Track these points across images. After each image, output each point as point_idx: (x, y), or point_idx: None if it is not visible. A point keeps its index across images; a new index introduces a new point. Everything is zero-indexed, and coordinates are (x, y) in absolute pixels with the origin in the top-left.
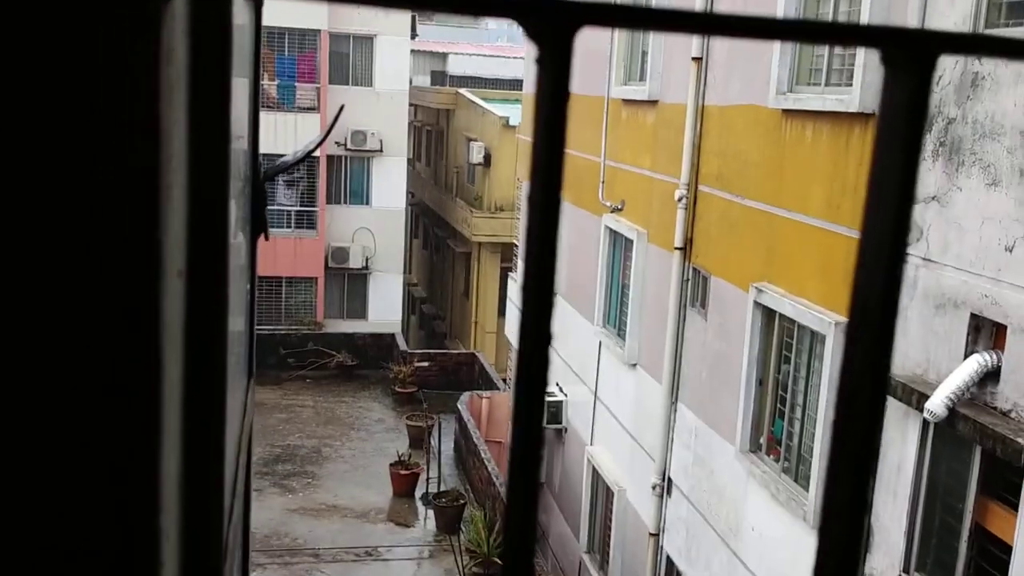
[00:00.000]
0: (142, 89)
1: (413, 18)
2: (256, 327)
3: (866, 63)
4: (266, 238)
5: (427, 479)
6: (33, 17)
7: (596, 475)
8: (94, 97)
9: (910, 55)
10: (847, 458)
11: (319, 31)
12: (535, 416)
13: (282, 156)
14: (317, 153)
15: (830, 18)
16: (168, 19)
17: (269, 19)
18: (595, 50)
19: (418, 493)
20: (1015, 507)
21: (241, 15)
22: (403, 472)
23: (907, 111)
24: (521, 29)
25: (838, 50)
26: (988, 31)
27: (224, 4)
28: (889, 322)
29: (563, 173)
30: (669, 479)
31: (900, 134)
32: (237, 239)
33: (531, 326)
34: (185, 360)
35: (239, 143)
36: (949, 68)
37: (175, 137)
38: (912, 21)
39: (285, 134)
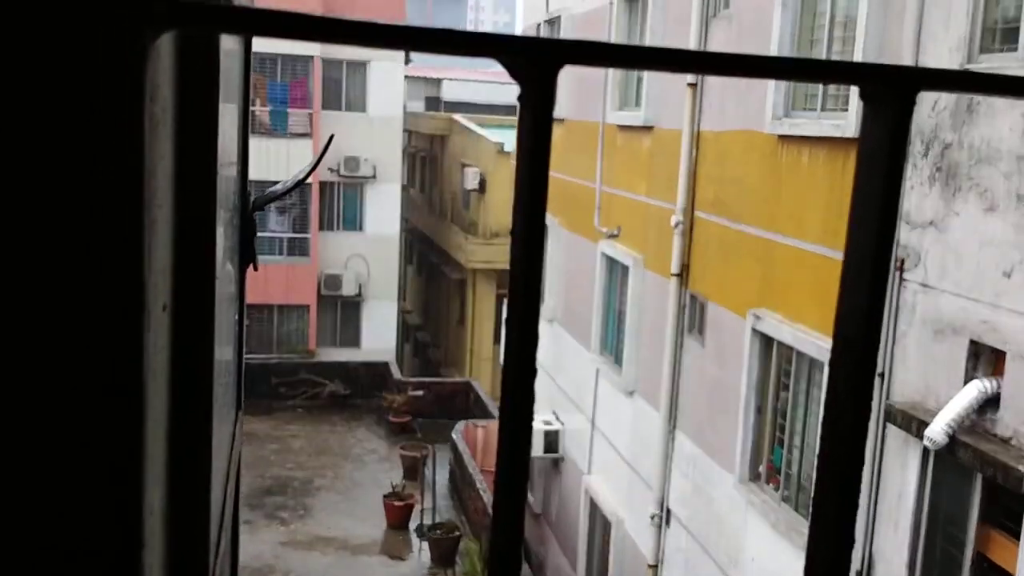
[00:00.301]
0: (126, 126)
1: None
2: (247, 356)
3: None
4: (255, 268)
5: (421, 510)
6: (20, 54)
7: (594, 505)
8: (79, 132)
9: (889, 91)
10: (833, 480)
11: (312, 57)
12: (520, 450)
13: (274, 183)
14: (310, 180)
15: (825, 43)
16: (154, 57)
17: (262, 45)
18: (590, 76)
19: (412, 525)
20: (1017, 536)
21: (230, 42)
22: (397, 503)
23: (887, 146)
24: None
25: None
26: (983, 56)
27: (211, 44)
28: (871, 351)
29: (546, 206)
30: (668, 509)
31: (880, 168)
32: (225, 269)
33: (516, 359)
34: (171, 393)
35: (228, 172)
36: (945, 93)
37: (160, 172)
38: (907, 47)
39: (277, 160)
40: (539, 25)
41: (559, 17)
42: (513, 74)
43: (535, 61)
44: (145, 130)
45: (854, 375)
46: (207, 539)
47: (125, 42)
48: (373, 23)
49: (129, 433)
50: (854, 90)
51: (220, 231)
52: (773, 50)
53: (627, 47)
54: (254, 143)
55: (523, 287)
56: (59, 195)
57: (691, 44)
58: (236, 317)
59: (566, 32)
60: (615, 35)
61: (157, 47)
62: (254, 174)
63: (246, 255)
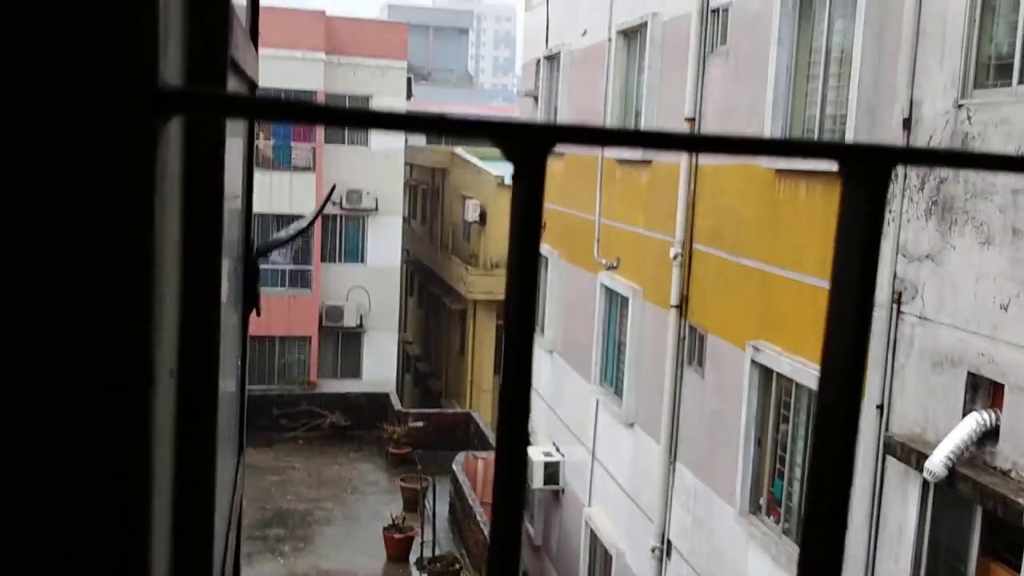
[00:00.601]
0: (138, 205)
1: (408, 79)
2: (248, 387)
3: (857, 124)
4: (258, 314)
5: (421, 543)
6: (38, 131)
7: (594, 537)
8: (89, 215)
9: (866, 168)
10: (822, 513)
11: (315, 92)
12: (517, 484)
13: (278, 216)
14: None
15: (821, 78)
16: (164, 138)
17: (265, 80)
18: (589, 109)
19: (412, 558)
20: (1017, 568)
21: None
22: (397, 536)
23: (864, 220)
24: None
25: (830, 109)
26: (977, 91)
27: (217, 128)
28: (853, 414)
29: (537, 275)
30: (668, 541)
31: (858, 241)
32: (229, 318)
33: (508, 434)
34: (175, 458)
35: (232, 223)
36: (940, 127)
37: (167, 249)
38: (902, 81)
39: (280, 193)
40: (539, 60)
41: (559, 53)
42: (507, 155)
43: (527, 143)
44: (156, 211)
45: (837, 445)
46: None
47: (136, 128)
48: (374, 111)
49: (136, 503)
50: (850, 123)
51: (224, 283)
52: (770, 84)
53: (616, 130)
54: (258, 177)
55: (516, 357)
56: (68, 280)
57: (689, 80)
58: (239, 363)
59: (565, 66)
60: (613, 70)
61: (168, 128)
62: (257, 207)
63: (249, 301)
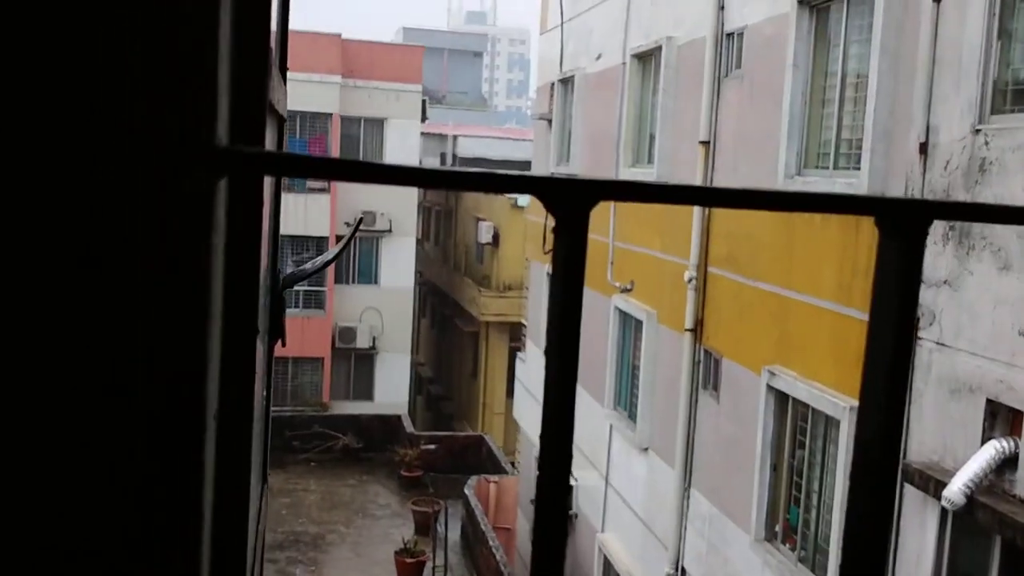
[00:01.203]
0: (198, 256)
1: (423, 102)
2: None
3: (873, 147)
4: (283, 344)
5: (433, 567)
6: (109, 191)
7: (608, 564)
8: (150, 269)
9: (903, 222)
10: (862, 535)
11: (331, 114)
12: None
13: (292, 236)
14: (327, 234)
15: (837, 102)
16: (219, 195)
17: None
18: (603, 132)
19: None
20: None
21: (271, 138)
22: (408, 560)
23: (900, 275)
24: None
25: (845, 134)
26: (994, 116)
27: (257, 186)
28: (893, 445)
29: (579, 330)
30: (683, 568)
31: (894, 294)
32: (260, 348)
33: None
34: (214, 499)
35: (262, 259)
36: (957, 152)
37: (216, 293)
38: (918, 107)
39: (295, 215)
40: (553, 83)
41: (573, 76)
42: (549, 209)
43: (571, 198)
44: (213, 263)
45: (875, 493)
46: None
47: (195, 188)
48: (418, 168)
49: (190, 550)
50: (866, 147)
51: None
52: (784, 109)
53: (658, 185)
54: None
55: (557, 409)
56: (130, 333)
57: (703, 103)
58: (265, 393)
59: (579, 89)
60: (628, 94)
61: (221, 185)
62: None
63: (275, 332)
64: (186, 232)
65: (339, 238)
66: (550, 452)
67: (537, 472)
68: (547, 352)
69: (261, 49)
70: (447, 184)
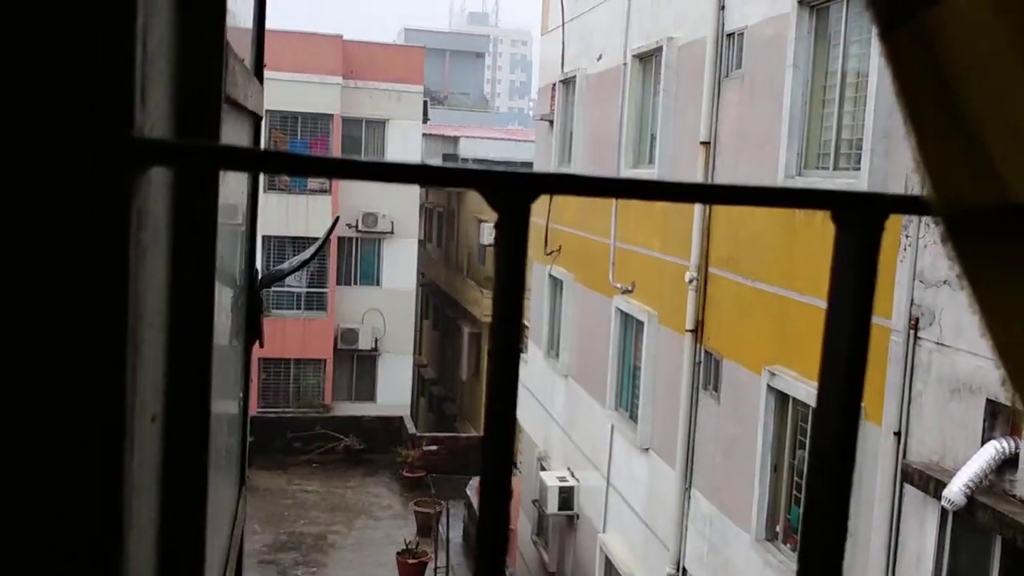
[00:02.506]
0: (110, 253)
1: (425, 103)
2: (263, 410)
3: (873, 147)
4: (260, 345)
5: (435, 568)
6: (9, 181)
7: (609, 564)
8: (61, 256)
9: (858, 217)
10: (821, 527)
11: (332, 115)
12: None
13: (294, 238)
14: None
15: (837, 102)
16: (144, 188)
17: (282, 103)
18: (604, 133)
19: None
20: None
21: (238, 135)
22: (411, 561)
23: (858, 267)
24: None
25: (846, 134)
26: None
27: (210, 179)
28: (848, 460)
29: (522, 323)
30: (684, 568)
31: (851, 288)
32: (232, 348)
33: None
34: (161, 503)
35: (235, 256)
36: None
37: (150, 291)
38: None
39: (296, 216)
40: (555, 84)
41: (574, 76)
42: (491, 204)
43: (511, 192)
44: (131, 260)
45: (831, 495)
46: None
47: (109, 180)
48: (354, 161)
49: (108, 541)
50: (867, 147)
51: (225, 317)
52: (785, 108)
53: (599, 178)
54: (275, 200)
55: (500, 406)
56: (42, 326)
57: (704, 104)
58: (241, 394)
59: (580, 90)
60: (629, 94)
61: (148, 177)
62: (275, 230)
63: (252, 333)
64: (100, 227)
65: (341, 239)
66: (493, 455)
67: (482, 456)
68: (491, 351)
69: (214, 44)
70: (383, 177)
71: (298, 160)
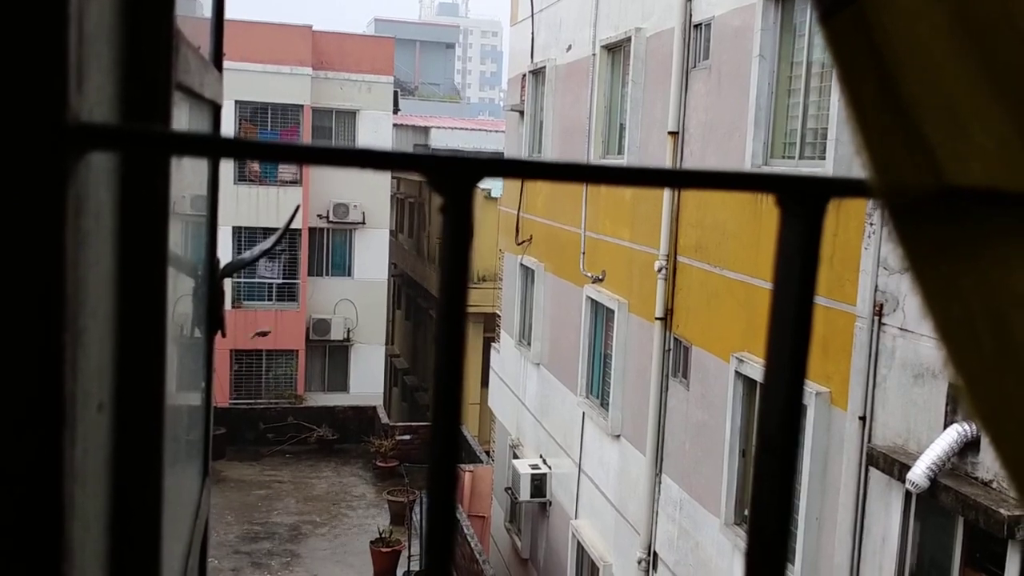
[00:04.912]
0: (44, 238)
1: (395, 93)
2: (235, 402)
3: (838, 136)
4: (223, 335)
5: (408, 556)
6: None
7: (581, 550)
8: None
9: (801, 200)
10: (768, 493)
11: (302, 106)
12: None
13: (265, 228)
14: (299, 226)
15: (803, 92)
16: (82, 171)
17: (252, 94)
18: (575, 124)
19: (400, 571)
20: None
21: (198, 124)
22: (384, 550)
23: (802, 250)
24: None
25: (811, 123)
26: None
27: (158, 165)
28: (790, 455)
29: (466, 308)
30: (655, 553)
31: (795, 271)
32: (193, 338)
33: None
34: (112, 493)
35: (194, 244)
36: None
37: (93, 277)
38: None
39: (267, 207)
40: (525, 75)
41: (544, 67)
42: (435, 187)
43: (454, 176)
44: (68, 246)
45: (776, 470)
46: None
47: (41, 165)
48: (296, 145)
49: (50, 543)
50: (831, 136)
51: (188, 296)
52: (752, 98)
53: (537, 162)
54: (245, 191)
55: (446, 390)
56: None
57: (672, 94)
58: (204, 385)
59: (550, 81)
60: (598, 85)
61: (87, 162)
62: (245, 221)
63: (214, 323)
64: (32, 213)
65: (312, 230)
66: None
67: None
68: (436, 337)
69: (162, 29)
70: (327, 161)
71: (240, 145)
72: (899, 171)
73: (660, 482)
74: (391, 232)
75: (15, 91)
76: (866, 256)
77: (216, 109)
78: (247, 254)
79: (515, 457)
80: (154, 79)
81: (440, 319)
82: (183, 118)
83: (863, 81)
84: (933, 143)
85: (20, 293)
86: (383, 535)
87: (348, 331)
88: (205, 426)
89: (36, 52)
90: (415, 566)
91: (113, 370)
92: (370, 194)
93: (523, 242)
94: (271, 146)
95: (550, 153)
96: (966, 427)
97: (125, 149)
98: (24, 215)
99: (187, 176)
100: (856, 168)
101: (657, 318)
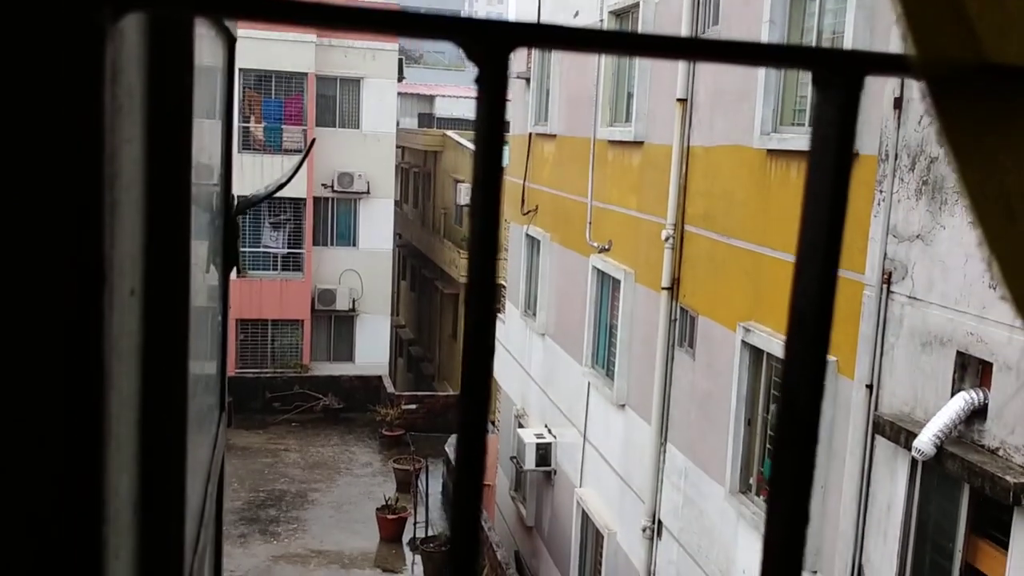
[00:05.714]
0: (84, 108)
1: (400, 61)
2: (241, 371)
3: None
4: (239, 272)
5: (415, 523)
6: None
7: (586, 518)
8: (32, 114)
9: (838, 75)
10: (789, 467)
11: (306, 74)
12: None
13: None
14: (304, 195)
15: (815, 31)
16: (116, 39)
17: (256, 62)
18: (581, 93)
19: (406, 538)
20: (1005, 546)
21: (213, 56)
22: (390, 517)
23: (837, 129)
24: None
25: None
26: None
27: (185, 26)
28: (823, 334)
29: (502, 183)
30: (659, 521)
31: (832, 149)
32: (209, 272)
33: (473, 339)
34: (142, 377)
35: (210, 176)
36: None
37: (125, 155)
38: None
39: (272, 175)
40: None
41: None
42: (470, 55)
43: (489, 42)
44: (106, 111)
45: (808, 356)
46: (181, 529)
47: (82, 24)
48: (332, 5)
49: (90, 411)
50: None
51: (203, 229)
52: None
53: (578, 30)
54: (250, 160)
55: (480, 269)
56: (12, 170)
57: (680, 60)
58: (220, 318)
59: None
60: None
61: (120, 30)
62: (250, 189)
63: (230, 258)
64: (74, 75)
65: (316, 199)
66: (473, 318)
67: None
68: (471, 214)
69: None
70: (350, 25)
71: (267, 4)
72: (940, 47)
73: (665, 451)
74: (396, 202)
75: None
76: (875, 224)
77: (231, 42)
78: (261, 189)
79: (520, 427)
80: None
81: (475, 188)
82: (203, 49)
83: None
84: (972, 17)
85: (62, 152)
86: (389, 502)
87: (353, 301)
88: (222, 362)
89: None
90: (420, 533)
91: (144, 259)
92: (375, 164)
93: (529, 212)
94: (307, 6)
95: (556, 121)
96: (973, 395)
97: (168, 9)
98: (66, 69)
99: (204, 137)
100: (866, 136)
101: (664, 288)
